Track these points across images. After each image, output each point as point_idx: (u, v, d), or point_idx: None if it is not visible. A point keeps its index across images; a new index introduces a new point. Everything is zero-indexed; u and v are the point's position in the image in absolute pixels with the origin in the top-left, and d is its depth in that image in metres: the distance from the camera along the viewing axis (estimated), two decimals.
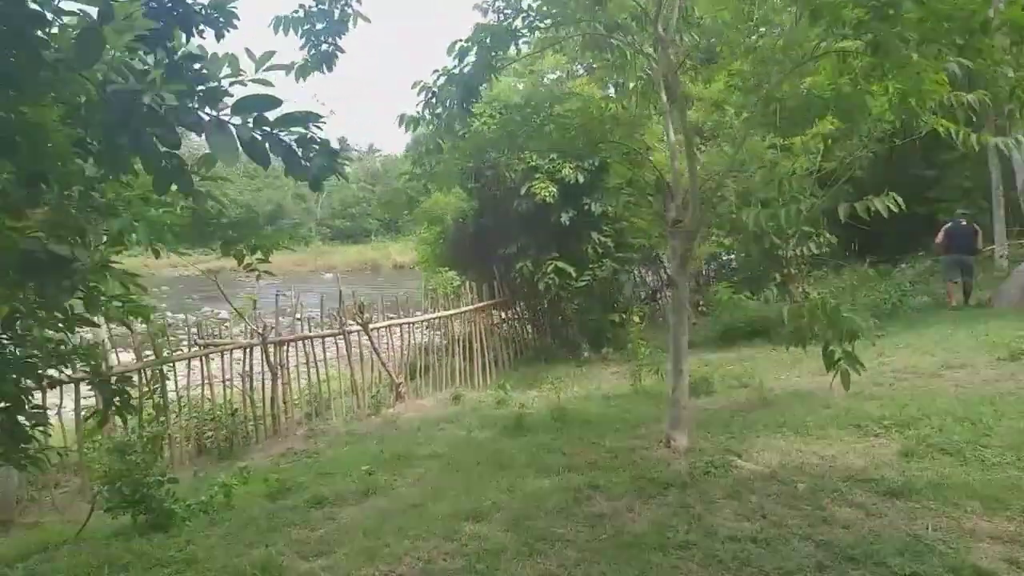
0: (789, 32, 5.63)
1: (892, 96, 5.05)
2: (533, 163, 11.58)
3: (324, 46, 5.88)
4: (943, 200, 18.97)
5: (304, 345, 9.69)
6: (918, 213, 19.78)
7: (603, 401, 8.66)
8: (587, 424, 7.23)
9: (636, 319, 10.22)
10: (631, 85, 7.19)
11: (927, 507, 4.25)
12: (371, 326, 10.04)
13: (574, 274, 11.84)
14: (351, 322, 10.06)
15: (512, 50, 6.50)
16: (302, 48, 5.84)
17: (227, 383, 9.12)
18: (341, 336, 9.93)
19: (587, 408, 8.01)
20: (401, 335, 10.86)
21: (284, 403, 9.32)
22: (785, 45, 5.41)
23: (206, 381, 8.83)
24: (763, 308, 12.55)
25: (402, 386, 10.50)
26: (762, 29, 6.39)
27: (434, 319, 11.21)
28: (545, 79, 16.83)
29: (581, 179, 11.34)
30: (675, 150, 5.99)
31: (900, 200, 4.41)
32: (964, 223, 12.77)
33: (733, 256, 17.19)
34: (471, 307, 11.79)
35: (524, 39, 6.61)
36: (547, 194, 11.20)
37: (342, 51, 5.97)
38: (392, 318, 10.68)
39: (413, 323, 10.94)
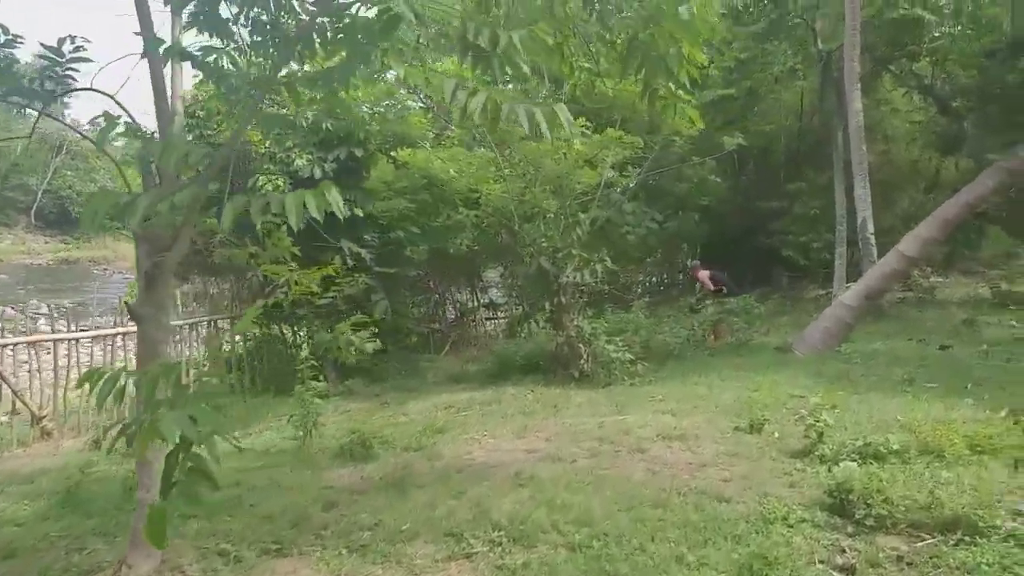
0: None
1: None
2: (265, 150, 9.44)
3: None
4: (788, 232, 17.93)
5: None
6: (763, 246, 18.80)
7: (253, 459, 6.53)
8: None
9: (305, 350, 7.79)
10: None
11: None
12: None
13: (316, 289, 9.66)
14: None
15: None
16: None
17: None
18: None
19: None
20: (68, 354, 8.40)
21: None
22: None
23: None
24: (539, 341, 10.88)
25: (47, 421, 8.10)
26: None
27: (107, 336, 8.81)
28: None
29: (319, 173, 9.25)
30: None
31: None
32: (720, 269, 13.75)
33: None
34: (178, 321, 9.46)
35: None
36: (270, 188, 9.04)
37: None
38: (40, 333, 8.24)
39: (75, 339, 8.51)
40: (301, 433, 6.62)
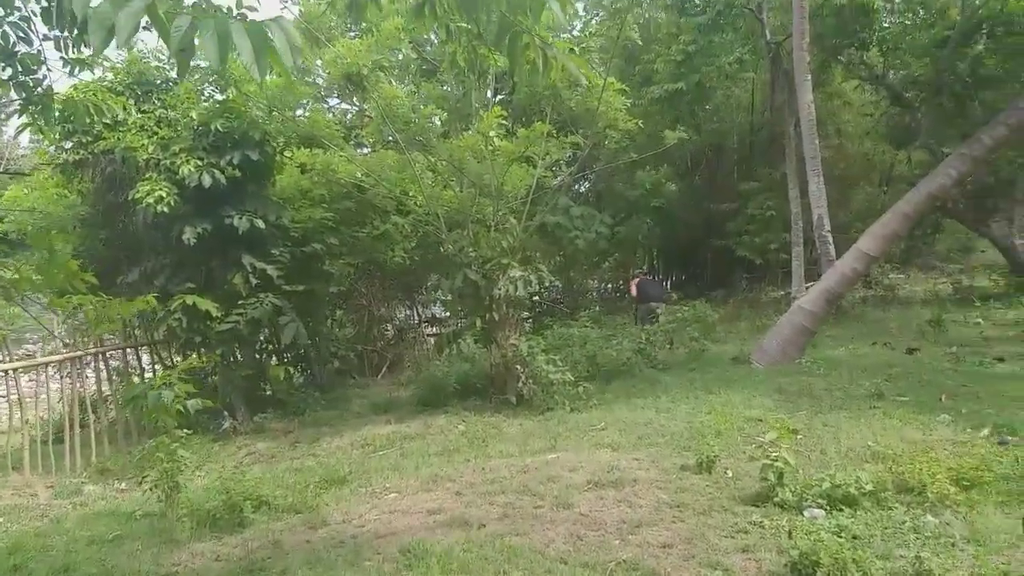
0: None
1: None
2: (149, 155, 8.27)
3: None
4: (744, 232, 17.21)
5: None
6: (721, 247, 18.05)
7: (113, 525, 5.37)
8: None
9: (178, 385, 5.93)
10: None
11: None
12: None
13: (215, 313, 8.48)
14: None
15: None
16: None
17: None
18: None
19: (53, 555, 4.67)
20: None
21: None
22: None
23: None
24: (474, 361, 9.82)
25: None
26: None
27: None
28: None
29: (208, 180, 8.10)
30: None
31: None
32: (650, 277, 14.37)
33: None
34: (36, 361, 8.13)
35: None
36: (152, 200, 7.87)
37: None
38: None
39: None
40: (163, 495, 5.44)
